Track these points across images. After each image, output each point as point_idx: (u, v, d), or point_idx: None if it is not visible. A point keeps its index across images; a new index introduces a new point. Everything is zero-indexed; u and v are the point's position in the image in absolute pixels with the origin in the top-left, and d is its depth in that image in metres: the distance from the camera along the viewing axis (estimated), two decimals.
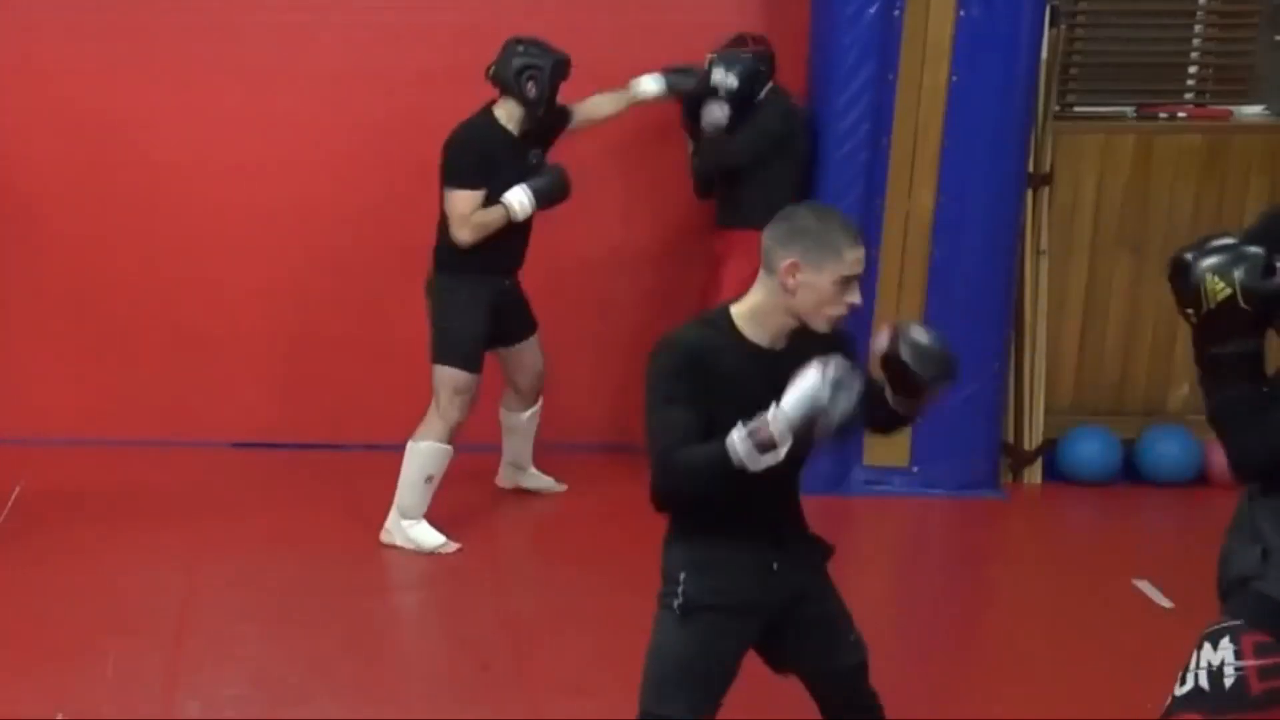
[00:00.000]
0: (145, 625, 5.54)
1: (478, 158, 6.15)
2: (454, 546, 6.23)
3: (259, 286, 7.26)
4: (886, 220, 6.81)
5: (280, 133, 7.15)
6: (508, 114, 6.24)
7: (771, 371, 3.56)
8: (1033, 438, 7.18)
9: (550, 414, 6.91)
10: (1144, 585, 5.97)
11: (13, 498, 6.61)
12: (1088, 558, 6.50)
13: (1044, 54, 6.95)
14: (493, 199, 6.15)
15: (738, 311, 3.67)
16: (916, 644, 5.63)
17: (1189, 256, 3.23)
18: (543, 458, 6.93)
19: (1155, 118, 7.43)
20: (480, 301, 6.26)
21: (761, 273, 3.65)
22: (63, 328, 7.27)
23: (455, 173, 6.14)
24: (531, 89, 6.17)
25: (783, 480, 3.68)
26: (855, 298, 3.62)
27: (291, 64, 7.12)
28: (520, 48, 6.23)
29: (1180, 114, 7.43)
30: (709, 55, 6.69)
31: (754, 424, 3.43)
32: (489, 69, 6.27)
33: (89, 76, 7.07)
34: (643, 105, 6.68)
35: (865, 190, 6.76)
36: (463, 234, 6.16)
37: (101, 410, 7.32)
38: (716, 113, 6.65)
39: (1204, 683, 3.27)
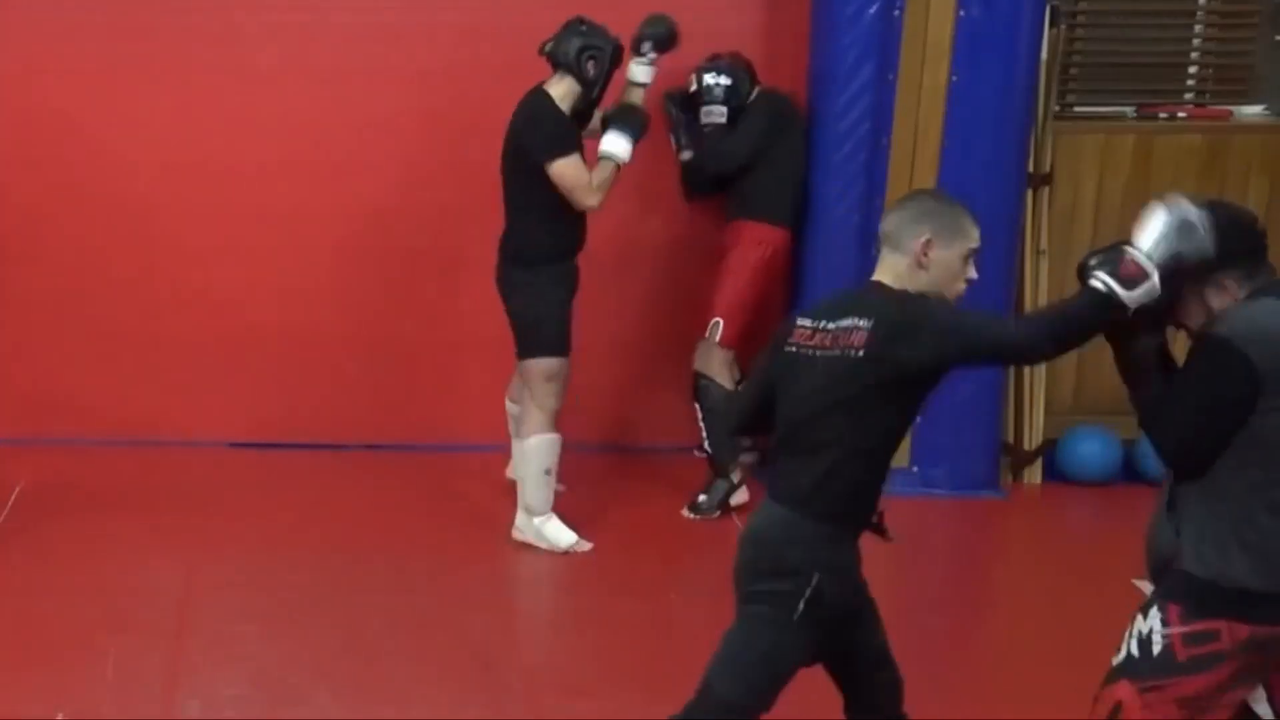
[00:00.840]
0: (145, 625, 5.54)
1: (566, 126, 6.12)
2: (587, 546, 6.25)
3: (259, 286, 7.26)
4: None
5: (280, 133, 7.15)
6: (562, 93, 6.14)
7: None
8: (1033, 438, 7.18)
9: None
10: (1144, 585, 5.90)
11: (13, 498, 6.61)
12: (1088, 558, 6.49)
13: (1044, 54, 6.96)
14: None
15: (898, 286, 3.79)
16: (916, 644, 5.60)
17: (1091, 262, 3.55)
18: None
19: (1155, 118, 7.43)
20: (558, 285, 6.22)
21: (887, 255, 3.81)
22: (62, 328, 7.27)
23: (555, 144, 6.04)
24: (591, 69, 6.12)
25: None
26: (974, 273, 3.83)
27: (291, 64, 7.12)
28: (584, 28, 6.16)
29: (1180, 114, 7.44)
30: (669, 95, 6.71)
31: (1106, 258, 3.52)
32: (544, 45, 6.18)
33: (89, 77, 7.06)
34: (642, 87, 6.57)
35: (865, 190, 6.76)
36: (591, 199, 6.09)
37: (102, 410, 7.32)
38: (715, 114, 6.67)
39: (1135, 650, 3.51)
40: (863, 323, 3.68)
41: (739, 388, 6.68)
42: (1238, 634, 3.41)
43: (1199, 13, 7.70)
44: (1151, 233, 3.51)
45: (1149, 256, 3.48)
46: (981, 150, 6.73)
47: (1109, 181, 7.32)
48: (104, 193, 7.16)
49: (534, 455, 6.21)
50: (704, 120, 6.68)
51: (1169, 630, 3.45)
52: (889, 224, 3.84)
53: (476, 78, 6.95)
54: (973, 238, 3.82)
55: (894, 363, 3.63)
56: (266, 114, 7.13)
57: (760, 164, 6.70)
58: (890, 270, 3.80)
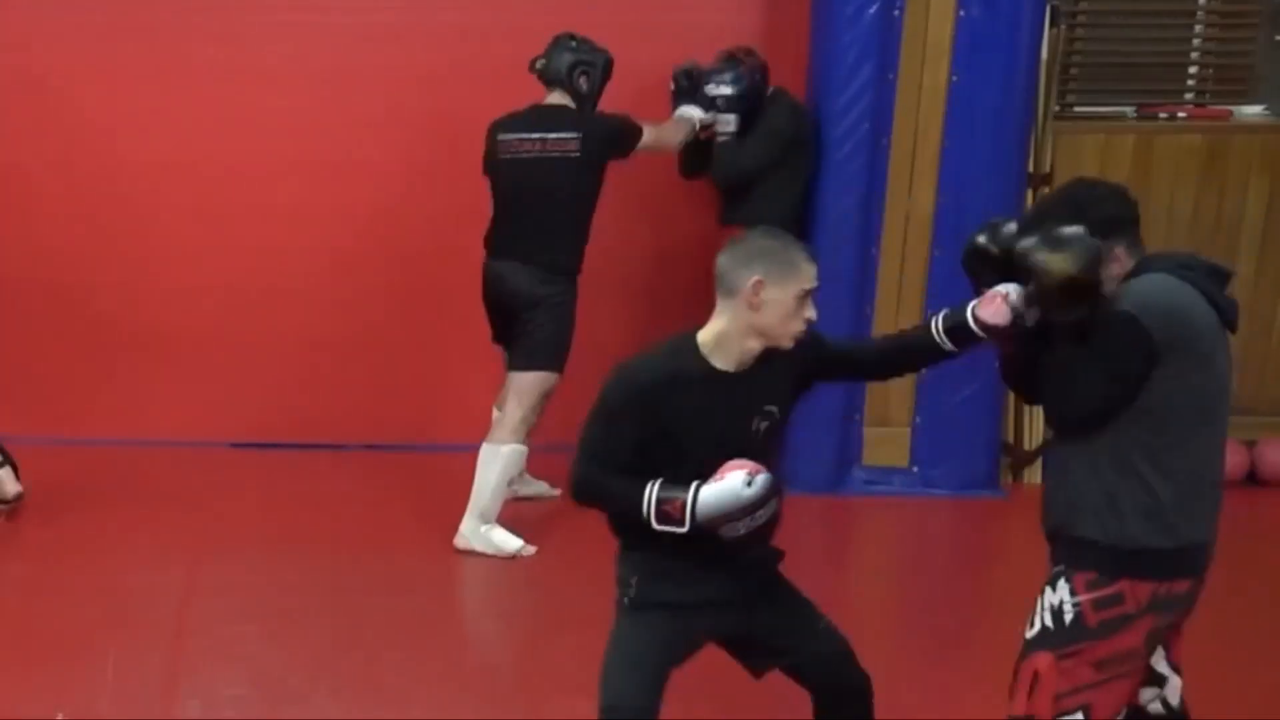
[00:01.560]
0: (145, 624, 5.54)
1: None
2: (532, 550, 6.25)
3: (260, 287, 7.27)
4: (886, 220, 6.81)
5: (280, 133, 7.16)
6: None
7: (737, 395, 3.72)
8: (1033, 438, 7.18)
9: (549, 415, 6.91)
10: None
11: None
12: None
13: (1044, 54, 6.96)
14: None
15: (704, 339, 3.77)
16: (916, 644, 5.63)
17: (983, 240, 3.66)
18: (541, 459, 6.92)
19: (1155, 118, 7.43)
20: (574, 303, 6.30)
21: (721, 299, 3.75)
22: (63, 328, 7.28)
23: (626, 126, 6.27)
24: (584, 84, 6.23)
25: None
26: (812, 313, 3.74)
27: (292, 64, 7.12)
28: (573, 43, 6.24)
29: (1180, 114, 7.44)
30: (685, 66, 6.68)
31: (670, 494, 3.66)
32: (534, 63, 6.26)
33: (89, 77, 7.08)
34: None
35: (865, 190, 6.76)
36: (676, 136, 6.51)
37: (102, 410, 7.32)
38: (727, 123, 6.66)
39: (1049, 622, 3.62)
40: None
41: None
42: (1140, 594, 3.54)
43: (1199, 13, 7.71)
44: (716, 493, 3.64)
45: (699, 514, 3.63)
46: (981, 150, 6.73)
47: None
48: (104, 192, 7.17)
49: (504, 463, 6.23)
50: (717, 131, 6.67)
51: (1078, 599, 3.57)
52: (720, 264, 3.74)
53: (476, 78, 6.96)
54: (807, 277, 3.70)
55: None
56: (267, 114, 7.14)
57: (772, 170, 6.69)
58: (721, 314, 3.74)
